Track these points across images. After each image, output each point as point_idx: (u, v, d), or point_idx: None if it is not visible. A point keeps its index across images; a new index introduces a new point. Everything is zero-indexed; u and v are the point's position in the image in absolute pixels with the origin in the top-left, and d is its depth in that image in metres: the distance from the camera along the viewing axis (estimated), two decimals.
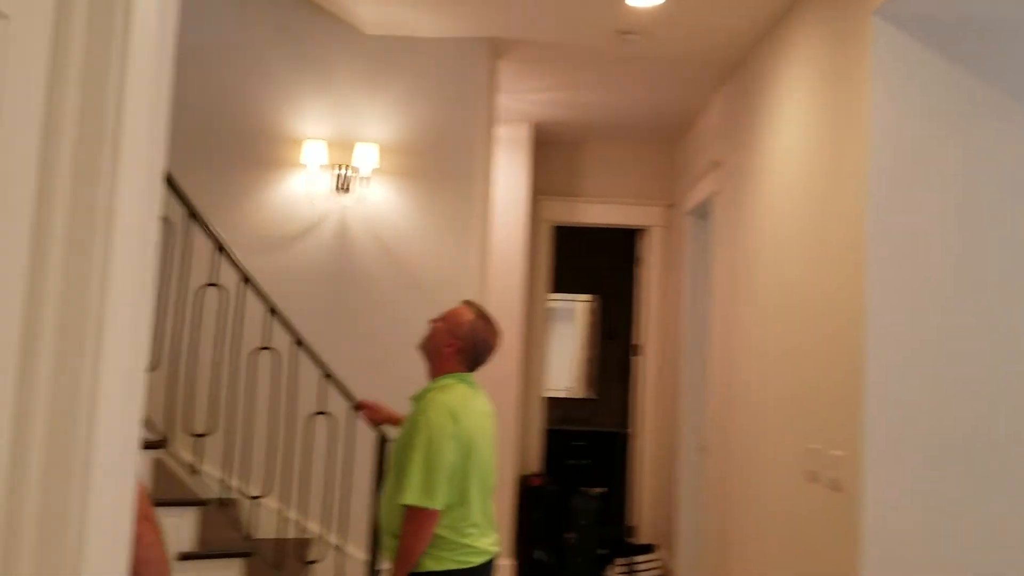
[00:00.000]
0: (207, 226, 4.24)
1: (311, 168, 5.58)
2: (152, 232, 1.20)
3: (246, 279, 4.36)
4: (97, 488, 1.03)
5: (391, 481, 2.95)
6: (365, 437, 4.76)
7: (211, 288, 4.40)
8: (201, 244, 4.41)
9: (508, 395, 6.74)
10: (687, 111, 6.69)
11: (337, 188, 5.62)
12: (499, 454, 3.22)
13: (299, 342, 4.51)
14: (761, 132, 4.89)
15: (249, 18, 5.65)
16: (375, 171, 5.59)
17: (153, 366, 3.73)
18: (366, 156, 5.56)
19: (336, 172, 5.63)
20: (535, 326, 7.65)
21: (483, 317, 3.06)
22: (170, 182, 3.85)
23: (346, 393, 4.55)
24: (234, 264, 4.32)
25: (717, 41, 5.19)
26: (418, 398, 3.01)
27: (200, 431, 4.38)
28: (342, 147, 5.62)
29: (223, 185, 5.46)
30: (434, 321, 3.09)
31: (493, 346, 3.06)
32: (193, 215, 4.15)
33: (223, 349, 4.49)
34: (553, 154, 7.67)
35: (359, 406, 3.87)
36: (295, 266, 5.52)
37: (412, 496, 2.77)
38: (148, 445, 3.68)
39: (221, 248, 4.28)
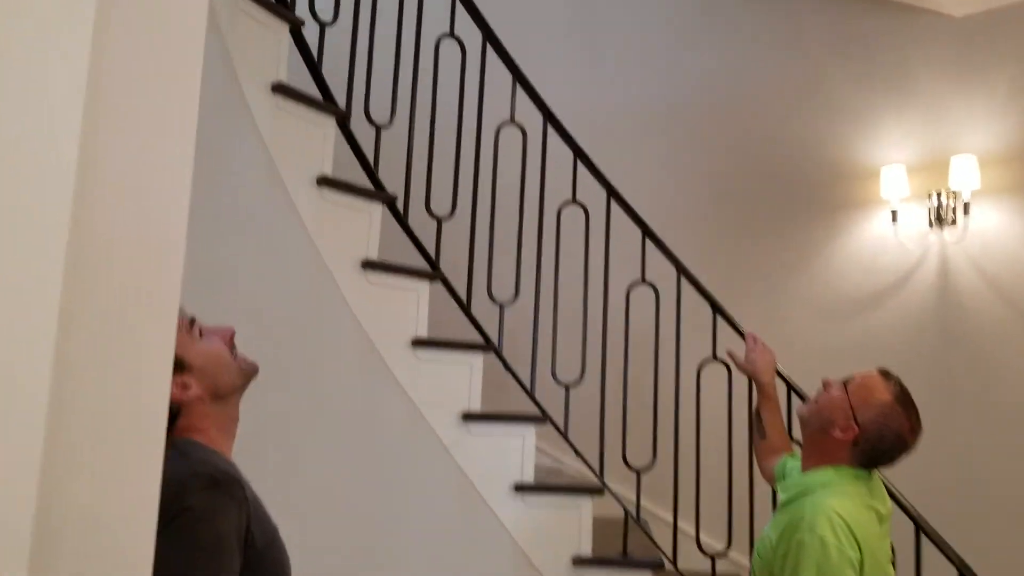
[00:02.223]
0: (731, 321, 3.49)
1: (893, 201, 4.44)
2: None
3: None
4: None
5: None
6: None
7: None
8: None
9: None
10: None
11: (932, 221, 4.39)
12: None
13: None
14: None
15: (805, 45, 4.76)
16: (976, 193, 4.23)
17: None
18: (964, 174, 4.28)
19: (928, 202, 4.41)
20: None
21: (904, 401, 2.21)
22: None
23: None
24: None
25: None
26: (793, 497, 2.23)
27: None
28: (931, 169, 4.48)
29: (782, 240, 4.62)
30: (831, 384, 2.28)
31: (908, 446, 2.22)
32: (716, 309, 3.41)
33: None
34: None
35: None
36: (882, 329, 4.41)
37: None
38: None
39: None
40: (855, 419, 2.17)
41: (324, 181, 2.90)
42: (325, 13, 3.19)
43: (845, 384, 2.25)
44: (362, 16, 3.24)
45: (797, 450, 2.46)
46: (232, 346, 1.63)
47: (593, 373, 3.43)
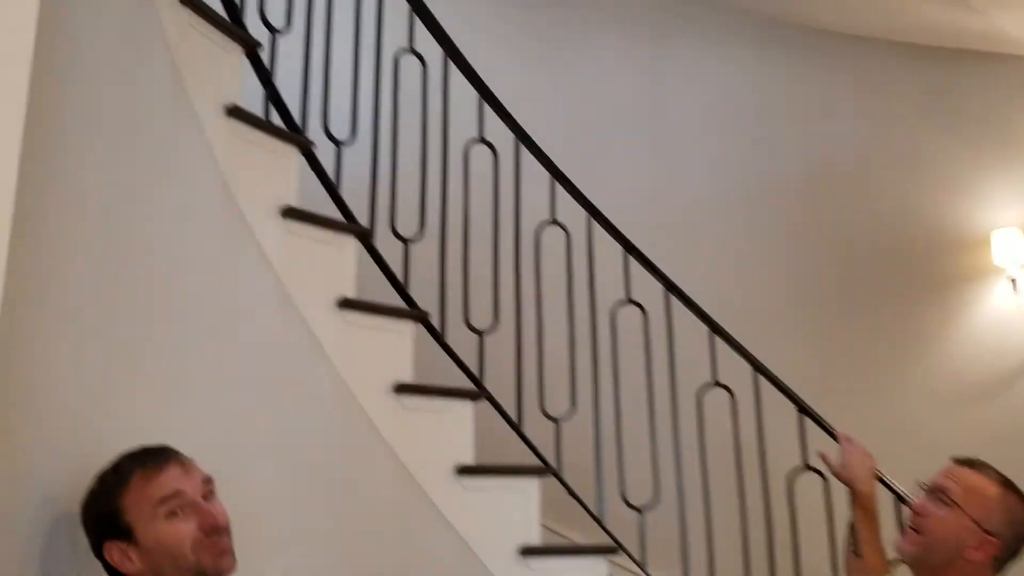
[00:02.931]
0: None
1: (1010, 268, 3.93)
2: None
3: None
4: None
5: None
6: None
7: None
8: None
9: None
10: None
11: None
12: None
13: None
14: None
15: (893, 106, 4.33)
16: None
17: None
18: None
19: None
20: None
21: (1007, 482, 1.91)
22: None
23: None
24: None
25: None
26: None
27: None
28: None
29: (884, 320, 4.13)
30: (926, 507, 1.89)
31: None
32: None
33: None
34: None
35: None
36: (1015, 416, 3.80)
37: None
38: None
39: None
40: (986, 531, 1.82)
41: (290, 213, 2.36)
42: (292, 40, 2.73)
43: (941, 498, 1.84)
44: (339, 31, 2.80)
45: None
46: (214, 532, 1.53)
47: (668, 494, 3.03)
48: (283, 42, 2.69)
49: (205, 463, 1.62)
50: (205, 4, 2.25)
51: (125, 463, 1.56)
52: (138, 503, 1.51)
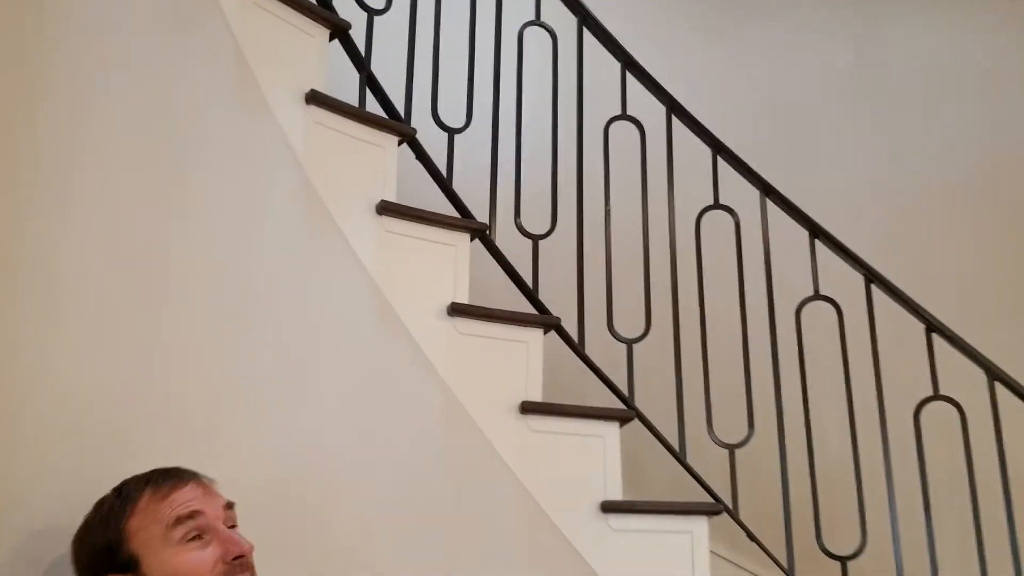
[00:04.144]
0: None
1: None
2: None
3: None
4: None
5: None
6: None
7: None
8: None
9: None
10: None
11: None
12: None
13: None
14: None
15: None
16: None
17: None
18: None
19: None
20: None
21: None
22: None
23: None
24: None
25: None
26: None
27: None
28: None
29: None
30: None
31: None
32: None
33: None
34: None
35: None
36: None
37: None
38: None
39: None
40: None
41: (387, 208, 2.04)
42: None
43: None
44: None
45: None
46: (241, 567, 1.25)
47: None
48: (388, 23, 2.40)
49: (285, 486, 1.28)
50: None
51: (131, 483, 1.27)
52: (147, 527, 1.22)
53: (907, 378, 2.59)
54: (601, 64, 2.63)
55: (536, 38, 2.58)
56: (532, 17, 2.54)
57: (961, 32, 4.01)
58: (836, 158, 3.91)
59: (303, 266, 1.91)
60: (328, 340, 1.89)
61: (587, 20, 2.57)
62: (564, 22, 2.58)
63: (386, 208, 2.05)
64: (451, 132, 2.34)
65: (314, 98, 2.01)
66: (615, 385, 2.36)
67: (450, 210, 2.26)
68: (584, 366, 2.35)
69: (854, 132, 3.97)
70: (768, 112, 3.91)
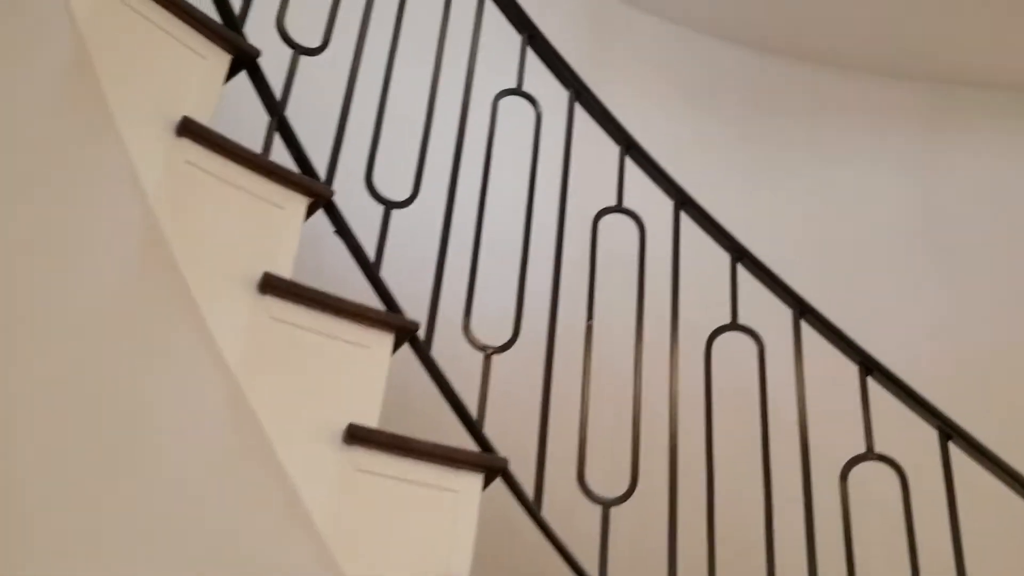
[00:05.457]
0: None
1: None
2: None
3: None
4: None
5: None
6: None
7: None
8: None
9: None
10: None
11: None
12: None
13: None
14: None
15: None
16: None
17: None
18: None
19: None
20: None
21: None
22: None
23: None
24: None
25: None
26: None
27: None
28: None
29: None
30: None
31: None
32: None
33: None
34: None
35: None
36: None
37: None
38: None
39: None
40: None
41: (274, 287, 1.45)
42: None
43: None
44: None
45: None
46: None
47: None
48: (322, 62, 1.89)
49: None
50: None
51: None
52: None
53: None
54: (595, 144, 2.10)
55: (516, 108, 2.07)
56: (513, 84, 2.04)
57: None
58: (900, 307, 3.34)
59: (128, 358, 1.31)
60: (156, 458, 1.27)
61: (581, 94, 2.06)
62: (550, 92, 2.08)
63: (273, 286, 1.47)
64: (389, 206, 1.79)
65: (188, 129, 1.47)
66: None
67: (373, 299, 1.67)
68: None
69: (918, 277, 3.41)
70: (818, 255, 3.38)
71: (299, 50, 1.76)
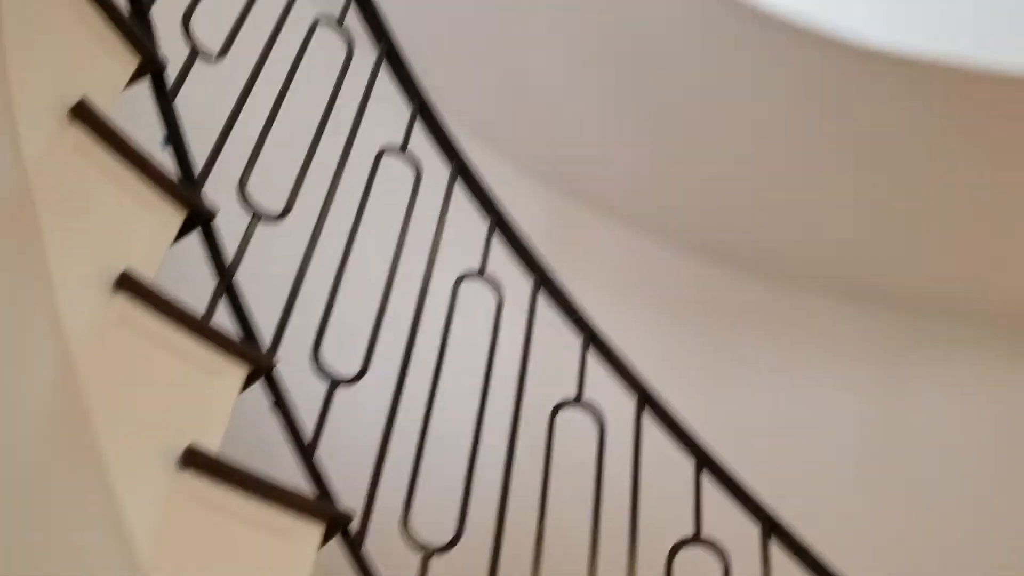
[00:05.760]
0: None
1: None
2: None
3: None
4: None
5: None
6: None
7: None
8: None
9: None
10: None
11: None
12: None
13: None
14: None
15: None
16: None
17: None
18: None
19: None
20: None
21: None
22: None
23: None
24: None
25: None
26: None
27: None
28: None
29: None
30: None
31: None
32: None
33: None
34: None
35: None
36: None
37: None
38: None
39: None
40: None
41: (197, 463, 1.30)
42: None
43: None
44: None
45: None
46: None
47: None
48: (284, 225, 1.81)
49: None
50: None
51: None
52: None
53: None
54: (560, 332, 2.03)
55: (478, 290, 2.00)
56: (475, 266, 1.98)
57: (994, 392, 3.51)
58: (857, 533, 3.20)
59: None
60: None
61: (546, 280, 2.00)
62: (513, 279, 2.02)
63: (195, 462, 1.32)
64: (335, 382, 1.66)
65: (126, 285, 1.36)
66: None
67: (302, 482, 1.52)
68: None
69: (876, 504, 3.30)
70: (777, 475, 3.28)
71: (259, 217, 1.68)
